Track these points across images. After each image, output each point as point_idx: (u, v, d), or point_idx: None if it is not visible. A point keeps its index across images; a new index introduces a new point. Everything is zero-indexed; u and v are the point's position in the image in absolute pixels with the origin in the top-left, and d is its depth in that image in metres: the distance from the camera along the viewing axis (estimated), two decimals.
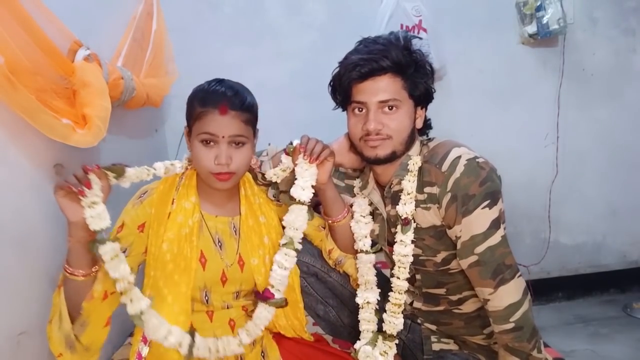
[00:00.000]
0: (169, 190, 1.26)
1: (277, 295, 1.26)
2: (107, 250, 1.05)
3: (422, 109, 1.27)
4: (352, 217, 1.36)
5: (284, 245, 1.27)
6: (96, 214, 1.02)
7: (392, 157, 1.23)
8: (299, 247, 1.26)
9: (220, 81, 1.23)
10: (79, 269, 1.08)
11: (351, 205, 1.37)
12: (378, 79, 1.19)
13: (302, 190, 1.26)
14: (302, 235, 1.28)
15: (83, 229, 1.03)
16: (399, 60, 1.18)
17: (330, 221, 1.35)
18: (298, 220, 1.27)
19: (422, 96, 1.24)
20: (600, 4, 2.41)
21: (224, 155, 1.17)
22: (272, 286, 1.25)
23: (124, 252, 1.17)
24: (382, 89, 1.19)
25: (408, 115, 1.22)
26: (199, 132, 1.19)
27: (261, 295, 1.26)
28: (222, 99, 1.18)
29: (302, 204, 1.26)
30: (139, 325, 1.10)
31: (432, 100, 1.28)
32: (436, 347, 1.36)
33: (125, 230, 1.19)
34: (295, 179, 1.26)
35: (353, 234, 1.36)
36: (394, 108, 1.20)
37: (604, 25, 2.42)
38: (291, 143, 1.27)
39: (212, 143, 1.18)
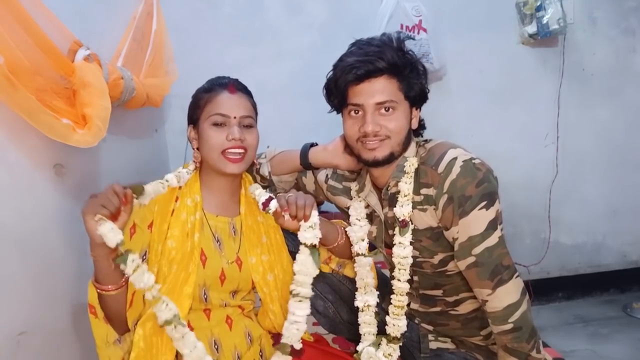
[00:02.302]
0: (172, 187, 1.26)
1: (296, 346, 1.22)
2: (128, 263, 1.06)
3: (416, 109, 1.27)
4: (346, 236, 1.37)
5: (294, 295, 1.19)
6: (108, 230, 1.03)
7: (390, 159, 1.23)
8: (311, 293, 1.20)
9: (220, 77, 1.30)
10: (109, 284, 1.11)
11: (348, 208, 1.38)
12: (374, 81, 1.19)
13: (307, 232, 1.18)
14: (311, 280, 1.20)
15: (103, 246, 1.05)
16: (394, 62, 1.18)
17: (328, 248, 1.36)
18: (307, 264, 1.18)
19: (417, 97, 1.24)
20: (600, 4, 2.41)
21: (237, 131, 1.21)
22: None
23: (144, 254, 1.21)
24: (378, 90, 1.19)
25: (405, 116, 1.22)
26: (209, 115, 1.23)
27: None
28: (230, 82, 1.27)
29: (311, 246, 1.18)
30: (170, 334, 1.10)
31: (427, 100, 1.28)
32: (433, 345, 1.37)
33: (138, 232, 1.21)
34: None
35: (350, 245, 1.36)
36: (391, 109, 1.20)
37: (604, 25, 2.42)
38: (267, 204, 1.20)
39: (223, 125, 1.23)
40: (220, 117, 1.22)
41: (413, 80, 1.21)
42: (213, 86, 1.27)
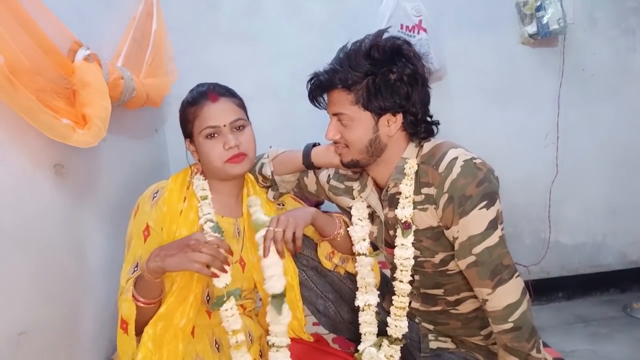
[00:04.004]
0: (180, 188, 1.28)
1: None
2: (228, 307, 1.17)
3: (394, 115, 1.20)
4: (347, 226, 1.37)
5: (271, 346, 1.20)
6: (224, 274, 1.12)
7: (355, 164, 1.25)
8: (287, 342, 1.21)
9: (199, 84, 1.31)
10: (155, 298, 1.15)
11: (350, 208, 1.38)
12: (330, 93, 1.23)
13: (274, 282, 1.17)
14: (286, 328, 1.21)
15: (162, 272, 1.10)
16: (345, 79, 1.17)
17: (328, 239, 1.36)
18: (281, 315, 1.18)
19: (384, 107, 1.18)
20: (600, 4, 2.40)
21: (232, 138, 1.22)
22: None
23: None
24: (332, 102, 1.23)
25: (363, 126, 1.20)
26: (200, 130, 1.24)
27: None
28: (209, 90, 1.26)
29: (278, 296, 1.19)
30: None
31: (406, 106, 1.19)
32: (433, 345, 1.37)
33: (152, 234, 1.22)
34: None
35: (351, 239, 1.36)
36: (346, 121, 1.21)
37: (604, 25, 2.42)
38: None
39: (216, 135, 1.23)
40: (211, 129, 1.23)
41: (377, 90, 1.16)
42: (195, 98, 1.26)
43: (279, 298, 1.17)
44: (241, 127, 1.26)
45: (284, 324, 1.18)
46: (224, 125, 1.22)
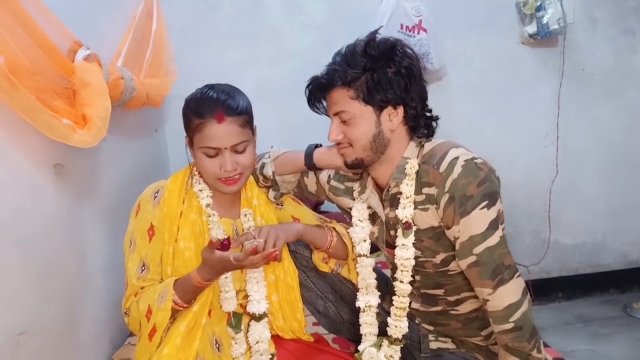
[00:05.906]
0: (179, 188, 1.27)
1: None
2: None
3: (395, 108, 1.20)
4: (339, 234, 1.37)
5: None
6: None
7: (359, 164, 1.24)
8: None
9: (211, 87, 1.24)
10: (186, 303, 1.18)
11: (350, 209, 1.37)
12: (330, 93, 1.22)
13: (258, 304, 1.27)
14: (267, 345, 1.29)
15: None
16: (344, 76, 1.17)
17: (321, 251, 1.36)
18: (262, 335, 1.28)
19: (385, 100, 1.18)
20: (600, 4, 2.41)
21: (229, 162, 1.19)
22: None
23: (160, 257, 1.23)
24: (333, 102, 1.22)
25: (365, 122, 1.20)
26: (200, 146, 1.20)
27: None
28: (217, 106, 1.18)
29: (260, 318, 1.28)
30: None
31: (406, 99, 1.19)
32: (434, 345, 1.37)
33: (157, 234, 1.22)
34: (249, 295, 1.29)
35: (345, 247, 1.37)
36: (349, 119, 1.20)
37: (604, 25, 2.42)
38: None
39: (215, 155, 1.20)
40: (212, 150, 1.19)
41: (377, 83, 1.17)
42: (202, 111, 1.19)
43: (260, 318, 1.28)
44: (243, 150, 1.22)
45: (264, 341, 1.27)
46: (225, 148, 1.19)
